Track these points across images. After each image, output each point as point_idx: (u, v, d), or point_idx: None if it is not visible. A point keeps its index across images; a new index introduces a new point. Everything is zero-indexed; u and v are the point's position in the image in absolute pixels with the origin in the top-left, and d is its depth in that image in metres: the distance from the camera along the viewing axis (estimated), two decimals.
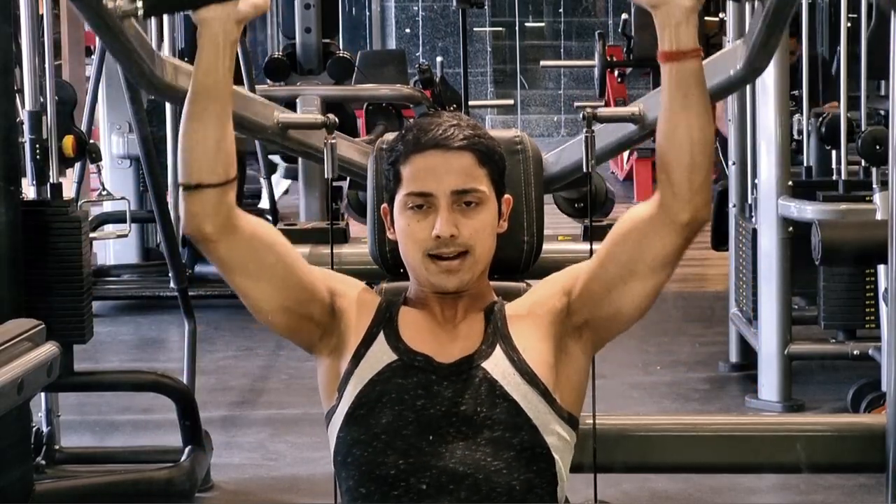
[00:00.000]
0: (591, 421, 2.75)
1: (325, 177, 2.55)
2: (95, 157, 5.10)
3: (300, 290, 2.41)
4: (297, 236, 3.19)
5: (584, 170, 2.61)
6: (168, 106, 6.93)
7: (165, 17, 7.06)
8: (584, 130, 2.58)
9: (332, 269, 3.11)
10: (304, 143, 3.26)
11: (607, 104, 11.77)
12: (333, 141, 2.53)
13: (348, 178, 4.26)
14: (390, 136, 2.59)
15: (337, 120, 2.56)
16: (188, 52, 7.90)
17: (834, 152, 5.90)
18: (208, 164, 2.31)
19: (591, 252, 2.56)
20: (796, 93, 6.32)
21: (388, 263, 2.61)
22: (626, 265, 2.37)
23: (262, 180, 8.01)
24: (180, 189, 2.35)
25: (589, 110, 2.55)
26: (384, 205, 2.46)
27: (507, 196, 2.46)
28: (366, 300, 2.46)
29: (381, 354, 2.40)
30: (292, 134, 3.15)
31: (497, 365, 2.37)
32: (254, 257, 2.37)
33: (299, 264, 2.42)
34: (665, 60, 2.27)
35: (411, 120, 2.88)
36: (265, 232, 2.39)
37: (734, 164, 6.22)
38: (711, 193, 2.33)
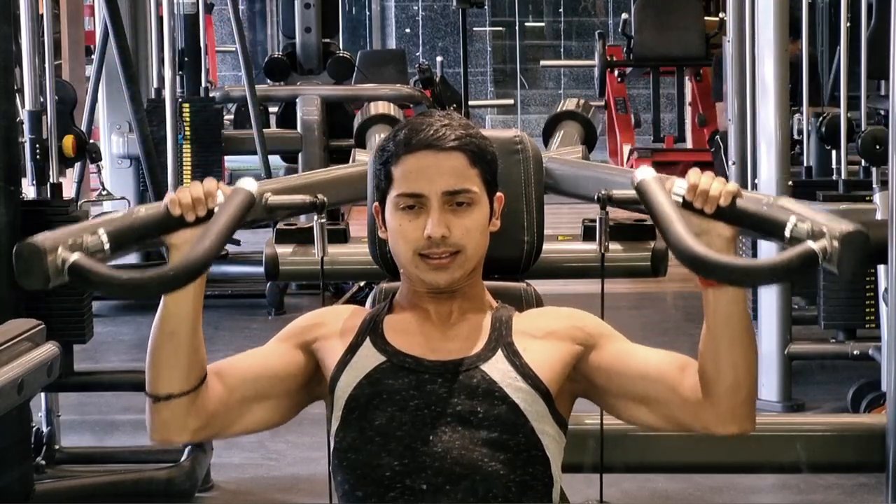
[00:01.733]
0: (592, 421, 2.74)
1: (317, 256, 2.53)
2: (95, 157, 5.10)
3: (283, 383, 2.40)
4: (296, 236, 3.19)
5: (599, 253, 2.58)
6: (168, 106, 6.93)
7: (165, 20, 7.05)
8: (599, 213, 2.56)
9: (332, 268, 3.12)
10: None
11: (607, 104, 11.77)
12: (323, 220, 2.51)
13: None
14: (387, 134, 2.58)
15: (325, 201, 2.54)
16: (188, 52, 7.91)
17: (834, 152, 5.90)
18: (179, 375, 2.29)
19: (602, 253, 2.55)
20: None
21: (387, 264, 2.60)
22: (645, 398, 2.36)
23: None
24: (147, 399, 2.30)
25: (604, 192, 2.53)
26: (375, 204, 2.45)
27: (499, 194, 2.44)
28: (347, 323, 2.45)
29: (367, 358, 2.38)
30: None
31: (497, 367, 2.36)
32: (231, 412, 2.36)
33: (267, 367, 2.40)
34: (706, 286, 2.26)
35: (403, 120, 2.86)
36: (229, 384, 2.36)
37: (734, 164, 6.22)
38: (753, 408, 2.32)
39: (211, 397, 2.33)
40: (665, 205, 2.18)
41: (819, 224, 2.09)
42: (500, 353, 2.38)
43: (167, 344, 2.27)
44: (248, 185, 2.27)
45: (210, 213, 2.23)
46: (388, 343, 2.40)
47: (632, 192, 2.31)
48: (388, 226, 2.41)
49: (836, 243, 2.05)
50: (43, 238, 2.08)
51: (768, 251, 5.56)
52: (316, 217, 2.51)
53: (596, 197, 2.54)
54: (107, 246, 2.16)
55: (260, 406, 2.40)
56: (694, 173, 2.22)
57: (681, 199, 2.20)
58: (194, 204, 2.23)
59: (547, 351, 2.38)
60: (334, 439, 2.37)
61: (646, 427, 2.39)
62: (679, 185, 2.22)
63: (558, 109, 4.94)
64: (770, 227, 2.17)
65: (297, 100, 8.46)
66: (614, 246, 3.07)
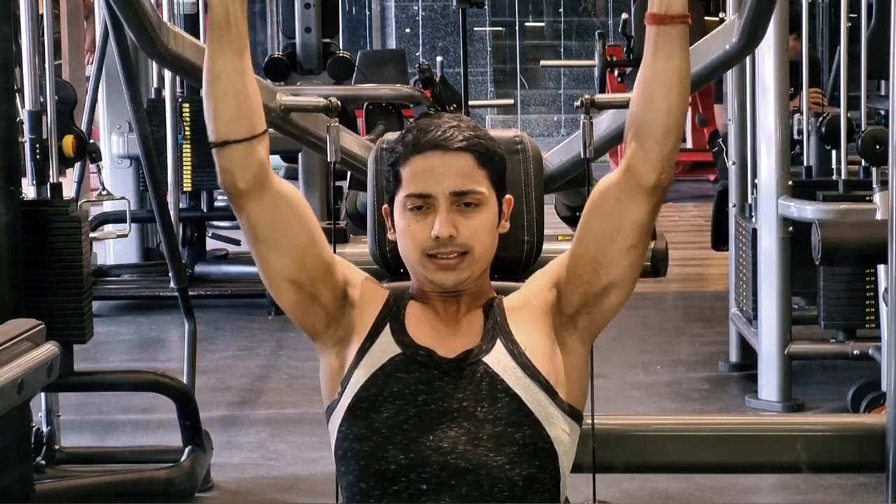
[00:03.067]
0: (591, 421, 2.74)
1: (328, 160, 2.55)
2: (95, 157, 5.10)
3: (315, 267, 2.41)
4: None
5: (583, 156, 2.61)
6: (168, 106, 6.93)
7: (165, 19, 7.04)
8: (583, 117, 2.59)
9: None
10: (308, 130, 3.26)
11: None
12: (336, 124, 2.53)
13: (347, 180, 4.25)
14: (391, 135, 2.59)
15: (339, 104, 2.56)
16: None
17: (834, 152, 5.90)
18: (231, 119, 2.34)
19: (587, 158, 2.58)
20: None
21: (388, 263, 2.61)
22: (604, 237, 2.38)
23: None
24: (213, 151, 2.36)
25: (587, 97, 2.56)
26: (385, 206, 2.47)
27: (508, 196, 2.46)
28: (375, 293, 2.47)
29: (385, 348, 2.40)
30: (295, 119, 3.15)
31: (498, 359, 2.38)
32: (279, 221, 2.38)
33: (321, 240, 2.43)
34: (652, 22, 2.32)
35: (412, 121, 2.86)
36: (294, 199, 2.40)
37: (734, 164, 6.22)
38: (675, 159, 2.37)
39: (276, 182, 2.37)
40: None
41: None
42: (499, 342, 2.39)
43: (215, 87, 2.34)
44: None
45: None
46: (406, 333, 2.41)
47: (613, 97, 2.34)
48: (396, 226, 2.42)
49: None
50: None
51: (768, 246, 5.57)
52: (329, 120, 2.53)
53: (579, 101, 2.57)
54: None
55: (291, 256, 2.39)
56: None
57: None
58: None
59: (534, 321, 2.41)
60: (339, 428, 2.38)
61: (634, 262, 2.39)
62: None
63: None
64: None
65: None
66: None
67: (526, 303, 2.44)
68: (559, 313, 2.42)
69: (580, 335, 2.44)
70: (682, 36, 2.32)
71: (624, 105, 3.04)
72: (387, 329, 2.42)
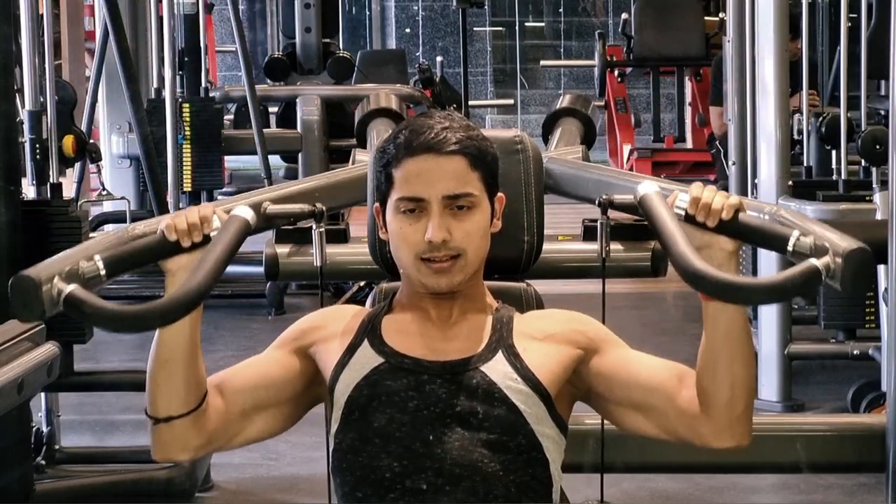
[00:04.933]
0: (592, 421, 2.74)
1: (315, 265, 2.53)
2: (95, 157, 5.10)
3: (283, 391, 2.41)
4: (296, 237, 3.19)
5: (600, 257, 2.58)
6: (168, 106, 6.93)
7: (165, 20, 7.05)
8: (600, 218, 2.56)
9: (332, 268, 3.11)
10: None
11: (607, 104, 11.77)
12: (322, 229, 2.52)
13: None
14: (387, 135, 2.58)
15: (324, 210, 2.54)
16: (188, 52, 7.91)
17: (834, 152, 5.90)
18: (178, 398, 2.29)
19: (603, 258, 2.55)
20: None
21: (387, 263, 2.60)
22: (644, 407, 2.36)
23: (263, 181, 8.01)
24: (148, 420, 2.30)
25: (605, 196, 2.53)
26: (376, 205, 2.45)
27: (500, 195, 2.44)
28: (347, 325, 2.44)
29: (365, 359, 2.38)
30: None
31: (497, 369, 2.36)
32: (233, 424, 2.36)
33: (265, 375, 2.40)
34: (707, 300, 2.26)
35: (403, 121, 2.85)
36: (230, 398, 2.37)
37: (734, 164, 6.22)
38: (749, 421, 2.31)
39: (211, 414, 2.33)
40: (668, 221, 2.19)
41: (822, 239, 2.10)
42: (500, 354, 2.38)
43: (164, 369, 2.28)
44: (244, 212, 2.30)
45: (206, 239, 2.25)
46: (385, 344, 2.39)
47: (632, 197, 2.32)
48: (388, 228, 2.40)
49: (839, 260, 2.06)
50: (38, 270, 2.12)
51: (768, 263, 5.56)
52: (314, 226, 2.51)
53: (597, 202, 2.54)
54: (102, 272, 2.20)
55: (261, 416, 2.40)
56: (696, 187, 2.23)
57: (683, 213, 2.21)
58: (190, 230, 2.24)
59: (547, 353, 2.38)
60: (334, 440, 2.37)
61: (643, 435, 2.39)
62: (682, 199, 2.23)
63: (557, 106, 4.93)
64: (772, 242, 2.19)
65: (297, 100, 8.46)
66: (615, 246, 3.06)
67: (546, 339, 2.39)
68: (574, 372, 2.40)
69: (576, 395, 2.43)
70: (738, 310, 2.26)
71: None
72: (365, 343, 2.40)
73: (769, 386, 5.63)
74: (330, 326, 2.45)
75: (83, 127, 5.85)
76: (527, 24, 15.89)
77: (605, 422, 2.51)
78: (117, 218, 6.88)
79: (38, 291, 2.10)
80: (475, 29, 15.17)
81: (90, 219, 5.01)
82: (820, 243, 2.10)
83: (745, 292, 2.10)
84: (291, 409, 2.43)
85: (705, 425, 2.30)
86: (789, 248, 2.14)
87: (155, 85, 7.47)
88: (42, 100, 4.52)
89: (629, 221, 3.12)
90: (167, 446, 2.31)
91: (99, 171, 5.70)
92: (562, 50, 15.78)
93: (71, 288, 2.12)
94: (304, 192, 3.53)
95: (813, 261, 2.07)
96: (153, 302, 2.13)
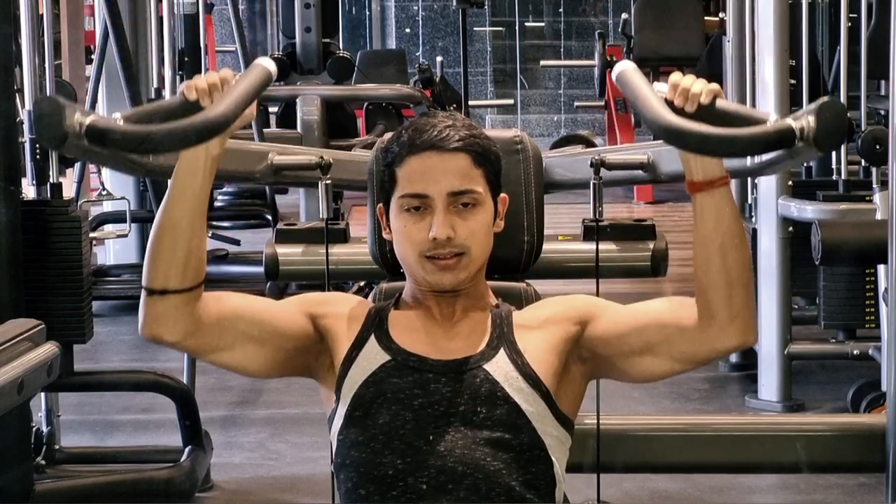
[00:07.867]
0: (591, 421, 2.75)
1: (321, 217, 2.53)
2: None
3: (280, 338, 2.41)
4: (296, 236, 3.19)
5: (592, 217, 2.57)
6: None
7: (165, 20, 7.05)
8: (593, 177, 2.55)
9: (333, 268, 3.12)
10: (299, 177, 3.24)
11: (607, 104, 11.77)
12: (328, 182, 2.51)
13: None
14: (391, 136, 2.58)
15: (331, 161, 2.53)
16: (188, 52, 7.91)
17: (834, 152, 5.90)
18: (176, 271, 2.29)
19: (597, 251, 2.55)
20: None
21: (388, 263, 2.61)
22: (647, 346, 2.36)
23: None
24: (143, 292, 2.30)
25: (596, 157, 2.52)
26: (380, 205, 2.46)
27: (503, 195, 2.45)
28: (354, 311, 2.46)
29: (373, 355, 2.39)
30: (286, 172, 3.14)
31: (499, 367, 2.37)
32: (224, 334, 2.36)
33: (271, 314, 2.41)
34: (694, 191, 2.25)
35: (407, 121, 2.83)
36: (230, 307, 2.38)
37: None
38: (756, 317, 2.30)
39: (208, 311, 2.33)
40: (643, 87, 2.17)
41: (798, 113, 2.09)
42: (502, 351, 2.38)
43: (167, 235, 2.28)
44: (266, 63, 2.28)
45: None
46: (392, 341, 2.40)
47: (624, 157, 2.31)
48: (392, 227, 2.41)
49: (811, 118, 2.04)
50: (63, 99, 2.08)
51: (768, 246, 5.56)
52: (321, 177, 2.51)
53: (590, 162, 2.54)
54: (120, 122, 2.15)
55: (252, 346, 2.39)
56: (676, 74, 2.24)
57: (662, 100, 2.19)
58: (210, 89, 2.24)
59: (544, 340, 2.39)
60: (337, 437, 2.38)
61: (661, 376, 2.38)
62: (661, 85, 2.22)
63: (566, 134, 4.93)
64: (751, 123, 2.14)
65: (297, 100, 8.45)
66: (614, 245, 3.07)
67: (543, 326, 2.41)
68: (574, 348, 2.41)
69: (585, 371, 2.43)
70: (725, 196, 2.25)
71: (636, 167, 2.98)
72: (372, 338, 2.41)
73: (769, 386, 5.63)
74: (340, 308, 2.46)
75: None
76: (527, 24, 15.89)
77: (605, 422, 2.51)
78: (117, 218, 6.88)
79: (63, 114, 2.05)
80: (475, 29, 15.16)
81: (90, 219, 5.01)
82: (797, 115, 2.08)
83: (717, 141, 2.05)
84: (280, 358, 2.42)
85: (708, 329, 2.29)
86: (768, 125, 2.10)
87: (155, 85, 7.46)
88: None
89: (629, 222, 3.13)
90: (157, 320, 2.30)
91: (99, 171, 5.71)
92: (562, 50, 15.78)
93: (92, 118, 2.08)
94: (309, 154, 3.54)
95: (788, 120, 2.06)
96: (177, 122, 2.08)
